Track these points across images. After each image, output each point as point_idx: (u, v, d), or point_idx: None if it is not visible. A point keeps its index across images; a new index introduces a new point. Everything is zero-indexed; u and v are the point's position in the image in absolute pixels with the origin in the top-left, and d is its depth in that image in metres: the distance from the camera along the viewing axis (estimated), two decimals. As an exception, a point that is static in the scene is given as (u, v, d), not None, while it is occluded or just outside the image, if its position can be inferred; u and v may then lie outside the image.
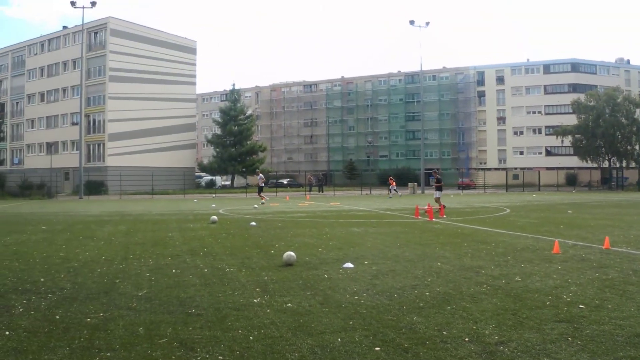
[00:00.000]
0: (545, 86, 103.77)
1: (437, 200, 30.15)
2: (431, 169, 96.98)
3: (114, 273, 11.64)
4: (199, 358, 6.20)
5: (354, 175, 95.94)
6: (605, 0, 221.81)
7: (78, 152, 68.81)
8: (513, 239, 17.46)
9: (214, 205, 38.84)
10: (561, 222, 23.59)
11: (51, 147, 78.87)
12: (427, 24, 71.35)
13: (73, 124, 79.87)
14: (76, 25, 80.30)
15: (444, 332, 7.12)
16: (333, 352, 6.36)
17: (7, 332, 7.23)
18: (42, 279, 10.97)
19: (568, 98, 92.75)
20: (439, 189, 30.82)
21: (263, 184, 43.98)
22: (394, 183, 60.21)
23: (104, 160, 78.08)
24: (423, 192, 69.97)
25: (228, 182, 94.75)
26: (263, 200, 41.85)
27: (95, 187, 71.11)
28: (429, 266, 12.21)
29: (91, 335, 7.06)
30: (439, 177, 31.77)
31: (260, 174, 46.08)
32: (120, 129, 78.49)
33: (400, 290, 9.74)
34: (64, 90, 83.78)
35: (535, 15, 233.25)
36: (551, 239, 16.42)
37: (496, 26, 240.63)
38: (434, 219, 25.14)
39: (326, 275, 11.13)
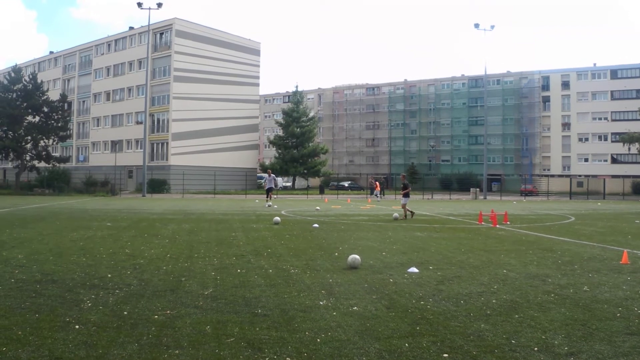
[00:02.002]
0: (612, 92, 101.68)
1: (403, 206, 29.37)
2: (495, 175, 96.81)
3: (179, 271, 11.76)
4: (266, 359, 6.21)
5: (415, 179, 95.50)
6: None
7: (142, 150, 69.82)
8: (579, 247, 17.16)
9: (276, 207, 38.96)
10: (629, 232, 23.08)
11: (116, 145, 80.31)
12: (492, 27, 70.73)
13: (137, 122, 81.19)
14: (142, 26, 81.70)
15: (513, 341, 7.02)
16: (401, 357, 6.31)
17: (77, 326, 7.34)
18: (109, 275, 11.14)
19: (636, 104, 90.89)
20: (406, 195, 29.82)
21: (273, 186, 42.91)
22: (379, 187, 60.60)
23: (167, 159, 79.17)
24: (485, 198, 69.24)
25: (289, 184, 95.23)
26: (269, 202, 41.00)
27: (158, 185, 72.10)
28: (495, 273, 12.08)
29: (159, 332, 7.14)
30: (405, 182, 30.82)
31: (272, 174, 44.58)
32: (183, 128, 79.48)
33: (466, 296, 9.65)
34: (129, 89, 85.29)
35: (602, 19, 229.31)
36: (619, 249, 16.11)
37: (562, 30, 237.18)
38: (497, 225, 24.85)
39: (391, 280, 11.07)
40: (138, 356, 6.21)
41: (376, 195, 59.90)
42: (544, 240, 19.23)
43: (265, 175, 46.04)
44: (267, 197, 42.73)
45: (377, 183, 64.07)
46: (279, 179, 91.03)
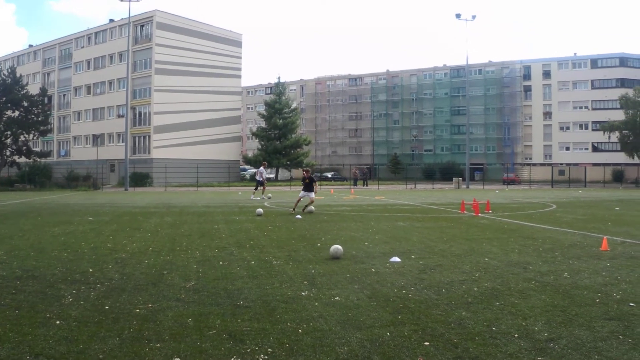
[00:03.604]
0: (592, 81, 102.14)
1: (299, 200, 27.68)
2: (477, 164, 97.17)
3: (161, 264, 11.75)
4: (248, 350, 6.23)
5: (398, 169, 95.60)
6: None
7: (124, 144, 69.44)
8: (560, 235, 17.29)
9: (258, 198, 38.92)
10: (609, 219, 23.28)
11: (97, 139, 79.95)
12: (474, 17, 70.82)
13: (119, 116, 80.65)
14: (123, 19, 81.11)
15: (493, 328, 7.09)
16: (382, 346, 6.36)
17: (57, 322, 7.33)
18: (90, 270, 11.10)
19: (616, 93, 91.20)
20: (308, 188, 27.21)
21: (260, 179, 40.94)
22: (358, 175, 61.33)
23: (149, 153, 78.80)
24: (468, 187, 69.52)
25: (272, 175, 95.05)
26: (253, 196, 40.18)
27: (141, 179, 71.78)
28: (476, 261, 12.15)
29: (141, 326, 7.14)
30: (312, 176, 28.75)
31: (262, 167, 42.64)
32: (165, 121, 79.12)
33: (448, 285, 9.72)
34: (110, 82, 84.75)
35: (583, 9, 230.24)
36: (599, 236, 16.27)
37: (543, 20, 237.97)
38: (479, 214, 24.96)
39: (373, 269, 11.13)
40: (119, 350, 6.21)
41: (355, 184, 60.16)
42: (525, 228, 19.36)
43: (247, 166, 45.06)
44: (261, 189, 41.27)
45: (356, 171, 64.36)
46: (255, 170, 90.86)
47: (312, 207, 26.57)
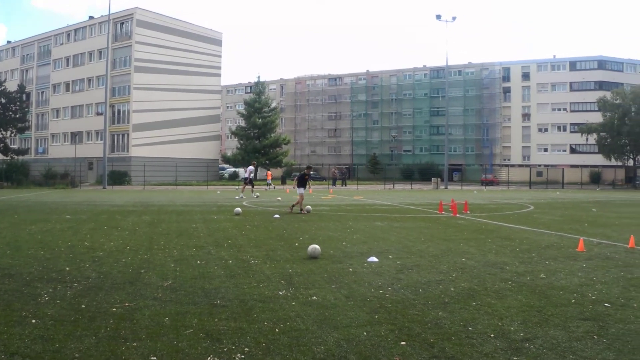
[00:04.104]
0: (571, 83, 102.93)
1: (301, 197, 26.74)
2: (456, 165, 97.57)
3: (138, 263, 11.71)
4: (225, 349, 6.22)
5: (377, 169, 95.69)
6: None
7: (102, 142, 69.03)
8: (537, 236, 17.41)
9: (237, 197, 38.86)
10: (585, 220, 23.49)
11: (75, 137, 79.44)
12: (454, 18, 70.97)
13: (98, 114, 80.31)
14: (102, 16, 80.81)
15: (470, 328, 7.13)
16: (359, 346, 6.37)
17: (33, 320, 7.28)
18: (67, 268, 11.04)
19: (594, 95, 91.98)
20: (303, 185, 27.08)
21: (248, 176, 41.98)
22: (271, 176, 61.98)
23: (128, 151, 78.43)
24: (446, 188, 69.76)
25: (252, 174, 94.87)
26: (241, 195, 40.16)
27: (119, 177, 71.41)
28: (454, 262, 12.21)
29: (117, 325, 7.11)
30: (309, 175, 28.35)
31: (251, 167, 43.74)
32: (144, 119, 78.78)
33: (425, 285, 9.75)
34: (89, 80, 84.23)
35: (562, 12, 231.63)
36: (576, 237, 16.39)
37: (523, 22, 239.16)
38: (457, 215, 25.06)
39: (351, 269, 11.15)
40: (95, 349, 6.18)
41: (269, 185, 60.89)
42: (503, 229, 19.47)
43: (226, 165, 45.30)
44: (250, 188, 42.16)
45: (269, 173, 65.09)
46: (240, 170, 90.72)
47: (309, 207, 26.80)
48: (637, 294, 9.24)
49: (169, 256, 12.66)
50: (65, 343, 6.37)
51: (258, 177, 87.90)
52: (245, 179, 41.66)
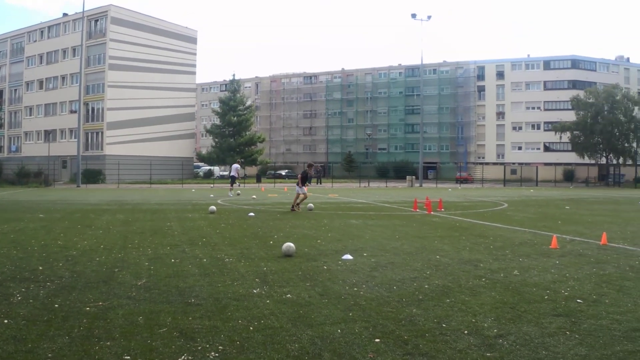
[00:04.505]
0: (545, 82, 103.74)
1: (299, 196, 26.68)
2: (431, 163, 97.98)
3: (112, 262, 11.63)
4: (199, 348, 6.20)
5: (352, 167, 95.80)
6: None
7: (76, 140, 68.53)
8: (511, 233, 17.52)
9: (212, 195, 38.78)
10: (559, 218, 23.68)
11: (49, 135, 78.81)
12: (429, 17, 71.26)
13: (72, 112, 79.69)
14: (76, 13, 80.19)
15: (443, 325, 7.15)
16: (333, 343, 6.38)
17: (5, 321, 7.21)
18: (40, 267, 10.94)
19: (567, 94, 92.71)
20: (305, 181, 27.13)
21: (236, 174, 42.34)
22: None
23: (102, 149, 77.94)
24: (421, 185, 70.02)
25: (226, 173, 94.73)
26: (231, 193, 40.66)
27: (93, 176, 70.84)
28: (428, 259, 12.25)
29: (90, 324, 7.06)
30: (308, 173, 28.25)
31: (237, 165, 43.98)
32: (119, 117, 78.32)
33: (399, 282, 9.78)
34: (63, 78, 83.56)
35: (536, 11, 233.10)
36: (549, 234, 16.51)
37: (497, 21, 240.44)
38: (432, 212, 25.15)
39: (325, 267, 11.17)
40: (68, 349, 6.13)
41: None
42: (477, 227, 19.56)
43: (200, 164, 45.70)
44: (234, 186, 42.43)
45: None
46: (215, 168, 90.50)
47: (311, 205, 26.83)
48: (609, 290, 9.32)
49: (143, 255, 12.60)
50: (38, 343, 6.31)
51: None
52: (232, 177, 41.83)
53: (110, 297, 8.57)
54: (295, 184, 27.18)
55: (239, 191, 42.27)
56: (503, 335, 6.72)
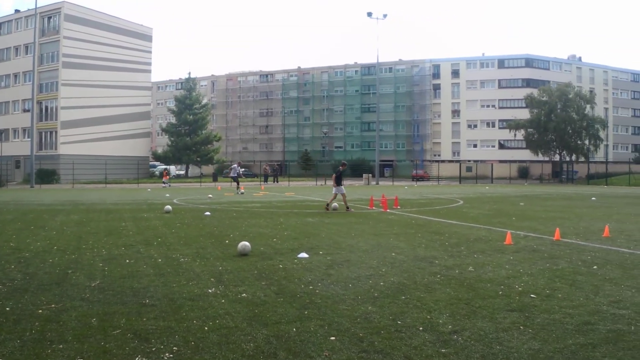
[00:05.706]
0: (499, 80, 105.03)
1: (344, 196, 26.39)
2: (387, 161, 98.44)
3: (66, 263, 11.48)
4: (153, 349, 6.16)
5: (309, 165, 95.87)
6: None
7: (29, 139, 67.59)
8: (466, 230, 17.68)
9: (167, 195, 38.56)
10: (513, 214, 23.98)
11: (1, 135, 77.45)
12: (385, 16, 71.52)
13: (24, 110, 78.60)
14: (29, 9, 79.08)
15: (399, 322, 7.19)
16: (288, 342, 6.38)
17: (-45, 324, 7.08)
18: (-9, 270, 10.77)
19: (521, 93, 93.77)
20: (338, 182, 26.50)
21: (236, 174, 44.57)
22: (167, 177, 62.68)
23: (56, 149, 76.96)
24: (377, 183, 70.25)
25: (182, 172, 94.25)
26: (242, 190, 42.63)
27: (47, 176, 69.90)
28: (384, 256, 12.31)
29: (43, 327, 6.96)
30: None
31: (236, 165, 46.32)
32: (73, 116, 77.38)
33: (355, 280, 9.81)
34: (15, 75, 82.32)
35: (491, 11, 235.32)
36: (503, 230, 16.69)
37: (452, 20, 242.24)
38: (388, 210, 25.26)
39: (281, 265, 11.15)
40: (20, 353, 6.03)
41: (165, 183, 61.50)
42: (433, 224, 19.70)
43: (156, 163, 46.30)
44: (237, 186, 44.07)
45: (165, 172, 65.87)
46: (172, 167, 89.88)
47: (336, 204, 26.02)
48: (561, 284, 9.45)
49: (98, 256, 12.46)
50: (-11, 346, 6.21)
51: (189, 174, 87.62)
52: (235, 177, 44.16)
53: (63, 299, 8.46)
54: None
55: (243, 191, 43.39)
56: (458, 331, 6.78)
